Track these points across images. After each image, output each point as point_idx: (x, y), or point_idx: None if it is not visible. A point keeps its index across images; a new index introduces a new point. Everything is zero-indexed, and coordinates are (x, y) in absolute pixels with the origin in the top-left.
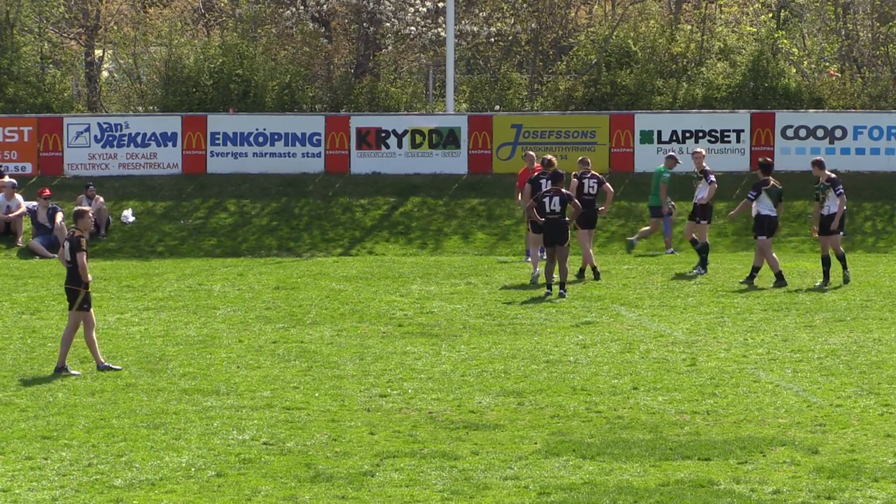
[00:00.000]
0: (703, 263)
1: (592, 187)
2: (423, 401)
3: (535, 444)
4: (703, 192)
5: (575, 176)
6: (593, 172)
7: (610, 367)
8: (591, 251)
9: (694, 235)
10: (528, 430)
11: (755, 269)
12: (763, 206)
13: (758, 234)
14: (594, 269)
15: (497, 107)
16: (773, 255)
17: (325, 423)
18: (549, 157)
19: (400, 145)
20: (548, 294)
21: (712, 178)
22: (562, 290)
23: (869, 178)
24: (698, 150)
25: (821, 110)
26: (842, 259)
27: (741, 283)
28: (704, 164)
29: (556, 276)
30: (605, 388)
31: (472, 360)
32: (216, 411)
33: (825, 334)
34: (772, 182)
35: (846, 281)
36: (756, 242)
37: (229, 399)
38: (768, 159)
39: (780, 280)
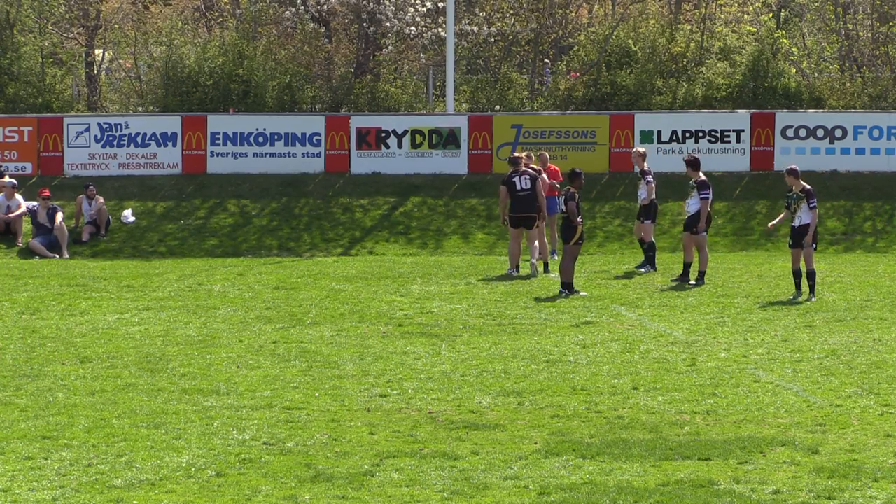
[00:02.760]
0: (651, 262)
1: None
2: (423, 401)
3: (535, 443)
4: (642, 193)
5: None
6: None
7: (610, 367)
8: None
9: (642, 234)
10: (528, 430)
11: (687, 265)
12: (695, 202)
13: (691, 228)
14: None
15: (497, 107)
16: (693, 252)
17: (326, 423)
18: (517, 154)
19: (400, 145)
20: (562, 293)
21: (649, 178)
22: (563, 291)
23: (869, 177)
24: (636, 149)
25: (821, 110)
26: (811, 278)
27: (690, 285)
28: (645, 165)
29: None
30: (605, 388)
31: (472, 360)
32: (216, 411)
33: (825, 334)
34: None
35: (808, 300)
36: (683, 236)
37: (229, 399)
38: (697, 156)
39: (700, 278)
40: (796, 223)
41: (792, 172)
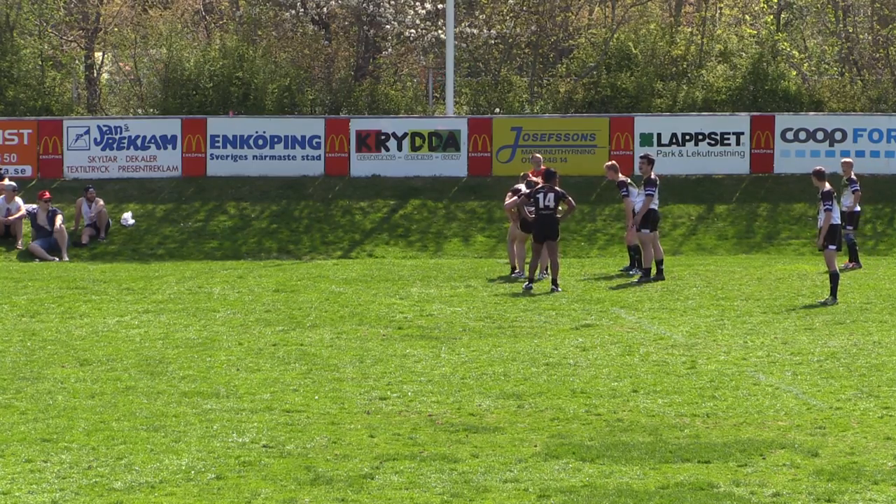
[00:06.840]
0: (639, 264)
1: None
2: (423, 403)
3: (535, 446)
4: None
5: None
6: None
7: (610, 370)
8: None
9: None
10: (528, 433)
11: (659, 262)
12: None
13: (641, 227)
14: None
15: (497, 109)
16: (652, 249)
17: (325, 425)
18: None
19: (400, 148)
20: (528, 288)
21: (626, 189)
22: (554, 286)
23: (869, 180)
24: (606, 163)
25: (821, 113)
26: (832, 280)
27: (650, 280)
28: (620, 176)
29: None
30: (605, 391)
31: (471, 363)
32: (216, 414)
33: (825, 337)
34: (654, 176)
35: (829, 302)
36: (638, 236)
37: (229, 402)
38: (650, 154)
39: (645, 275)
40: (820, 224)
41: (815, 174)
